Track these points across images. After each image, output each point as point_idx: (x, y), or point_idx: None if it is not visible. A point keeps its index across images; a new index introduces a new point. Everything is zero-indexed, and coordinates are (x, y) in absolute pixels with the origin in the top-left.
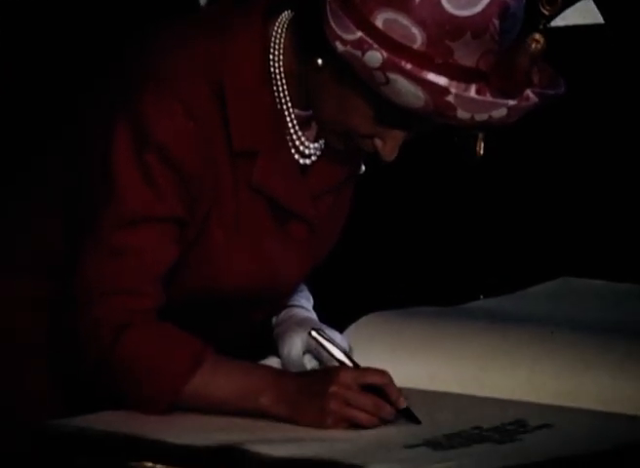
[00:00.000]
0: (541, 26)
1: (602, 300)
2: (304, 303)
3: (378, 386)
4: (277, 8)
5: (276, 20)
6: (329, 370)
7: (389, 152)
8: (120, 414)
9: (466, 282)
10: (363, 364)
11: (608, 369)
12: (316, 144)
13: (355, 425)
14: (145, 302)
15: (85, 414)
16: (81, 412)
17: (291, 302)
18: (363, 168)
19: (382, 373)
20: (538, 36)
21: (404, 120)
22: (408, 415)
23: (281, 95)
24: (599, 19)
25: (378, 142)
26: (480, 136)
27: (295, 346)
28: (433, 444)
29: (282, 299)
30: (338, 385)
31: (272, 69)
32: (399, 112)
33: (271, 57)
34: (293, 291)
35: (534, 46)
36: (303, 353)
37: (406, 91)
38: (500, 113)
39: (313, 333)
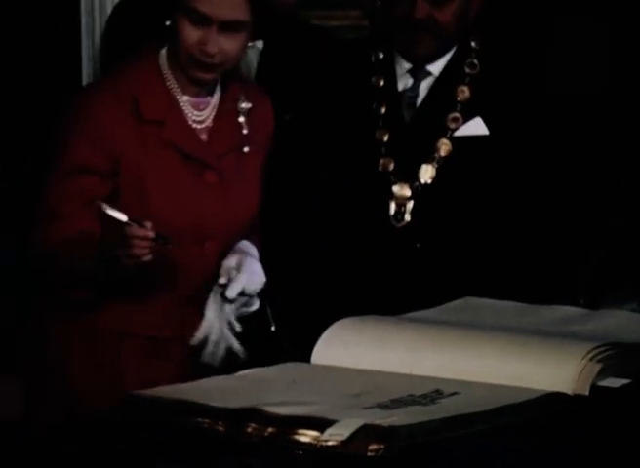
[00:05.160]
0: None
1: (496, 312)
2: (244, 242)
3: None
4: (162, 45)
5: (162, 50)
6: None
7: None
8: (176, 387)
9: (397, 299)
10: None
11: (497, 355)
12: (202, 115)
13: None
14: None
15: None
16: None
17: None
18: (245, 130)
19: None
20: None
21: None
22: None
23: (174, 88)
24: None
25: None
26: (409, 205)
27: (228, 260)
28: (382, 406)
29: (221, 236)
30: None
31: (165, 77)
32: None
33: (162, 69)
34: (224, 229)
35: None
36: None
37: None
38: None
39: (103, 206)
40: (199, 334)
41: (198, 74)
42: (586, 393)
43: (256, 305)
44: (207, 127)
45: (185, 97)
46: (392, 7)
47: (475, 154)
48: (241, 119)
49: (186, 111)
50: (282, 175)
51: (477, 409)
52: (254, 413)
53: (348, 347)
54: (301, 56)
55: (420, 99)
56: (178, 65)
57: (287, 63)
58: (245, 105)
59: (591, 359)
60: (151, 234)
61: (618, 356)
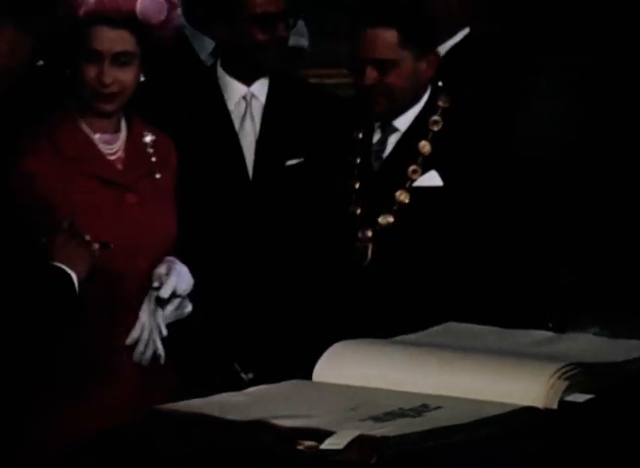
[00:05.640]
0: None
1: (475, 335)
2: (169, 256)
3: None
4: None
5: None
6: None
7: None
8: (191, 402)
9: (385, 325)
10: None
11: (476, 373)
12: (113, 148)
13: None
14: None
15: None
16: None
17: None
18: (154, 158)
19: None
20: None
21: None
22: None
23: (86, 129)
24: None
25: None
26: (370, 246)
27: (158, 268)
28: (375, 418)
29: (148, 251)
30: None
31: (78, 122)
32: None
33: (74, 117)
34: (150, 244)
35: None
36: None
37: None
38: None
39: None
40: (134, 334)
41: (102, 105)
42: (555, 407)
43: (189, 308)
44: (120, 157)
45: (97, 135)
46: (352, 74)
47: (429, 203)
48: (150, 150)
49: (100, 146)
50: (284, 213)
51: (459, 421)
52: (262, 425)
53: (346, 366)
54: (301, 111)
55: (386, 152)
56: (85, 108)
57: (287, 118)
58: (150, 138)
59: (559, 377)
60: (97, 245)
61: (582, 374)
